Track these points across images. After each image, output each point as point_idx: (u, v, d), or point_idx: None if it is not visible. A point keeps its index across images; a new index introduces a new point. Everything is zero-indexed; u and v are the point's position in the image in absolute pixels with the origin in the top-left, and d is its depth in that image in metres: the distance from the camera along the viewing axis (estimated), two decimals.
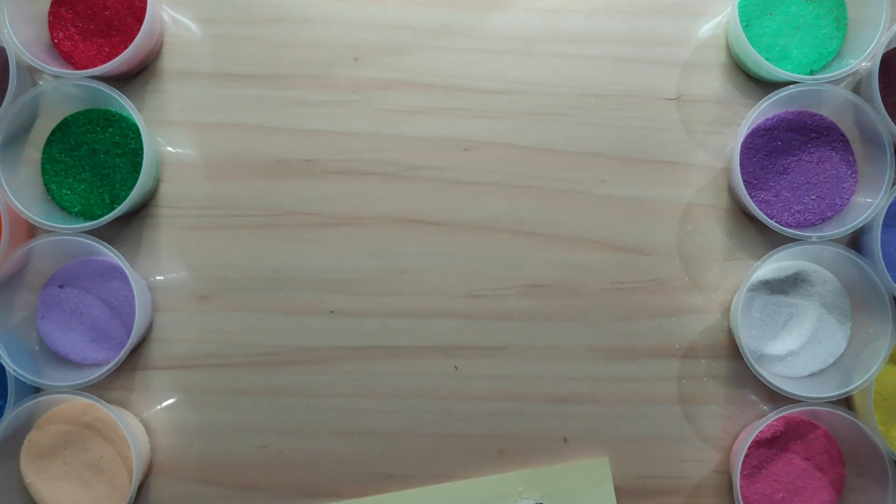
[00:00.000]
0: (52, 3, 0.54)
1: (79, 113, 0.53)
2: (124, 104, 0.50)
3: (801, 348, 0.52)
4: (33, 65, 0.50)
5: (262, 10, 0.55)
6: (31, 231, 0.53)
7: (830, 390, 0.49)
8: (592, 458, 0.50)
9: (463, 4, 0.55)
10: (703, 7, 0.55)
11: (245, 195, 0.54)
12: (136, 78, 0.55)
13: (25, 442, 0.51)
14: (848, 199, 0.53)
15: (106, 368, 0.50)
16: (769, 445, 0.51)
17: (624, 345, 0.53)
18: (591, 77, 0.54)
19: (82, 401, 0.51)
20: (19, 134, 0.52)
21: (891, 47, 0.52)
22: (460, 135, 0.54)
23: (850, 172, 0.53)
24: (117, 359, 0.50)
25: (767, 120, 0.53)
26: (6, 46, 0.50)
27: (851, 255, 0.49)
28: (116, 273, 0.53)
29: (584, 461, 0.50)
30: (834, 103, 0.52)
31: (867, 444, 0.49)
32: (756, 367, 0.50)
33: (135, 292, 0.50)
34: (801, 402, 0.49)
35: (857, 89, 0.53)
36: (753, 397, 0.53)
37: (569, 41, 0.55)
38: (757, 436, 0.50)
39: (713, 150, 0.54)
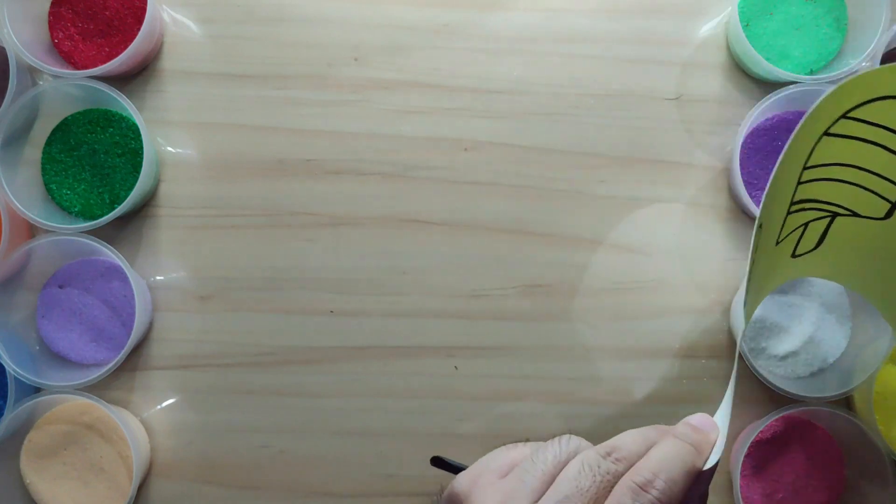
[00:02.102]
0: (52, 3, 0.54)
1: (79, 113, 0.53)
2: (124, 104, 0.50)
3: (801, 348, 0.52)
4: (33, 65, 0.50)
5: (262, 10, 0.55)
6: (31, 231, 0.53)
7: (830, 390, 0.49)
8: None
9: (463, 4, 0.55)
10: (703, 7, 0.55)
11: (245, 195, 0.54)
12: (136, 78, 0.55)
13: (25, 442, 0.51)
14: None
15: (106, 368, 0.50)
16: (769, 445, 0.51)
17: (624, 345, 0.53)
18: (591, 77, 0.54)
19: (82, 401, 0.51)
20: (19, 134, 0.52)
21: (891, 47, 0.52)
22: (460, 135, 0.54)
23: None
24: (117, 359, 0.50)
25: (767, 120, 0.53)
26: (6, 46, 0.50)
27: None
28: (116, 273, 0.53)
29: None
30: None
31: (867, 444, 0.49)
32: (756, 367, 0.50)
33: (135, 292, 0.50)
34: (801, 402, 0.49)
35: None
36: (753, 397, 0.53)
37: (569, 41, 0.55)
38: (757, 436, 0.50)
39: (713, 150, 0.54)
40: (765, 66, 0.50)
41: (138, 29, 0.51)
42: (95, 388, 0.51)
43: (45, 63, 0.50)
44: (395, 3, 0.55)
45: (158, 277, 0.54)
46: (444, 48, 0.55)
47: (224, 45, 0.55)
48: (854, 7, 0.53)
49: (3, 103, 0.50)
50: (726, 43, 0.54)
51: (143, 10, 0.52)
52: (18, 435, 0.51)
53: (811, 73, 0.53)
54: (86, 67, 0.53)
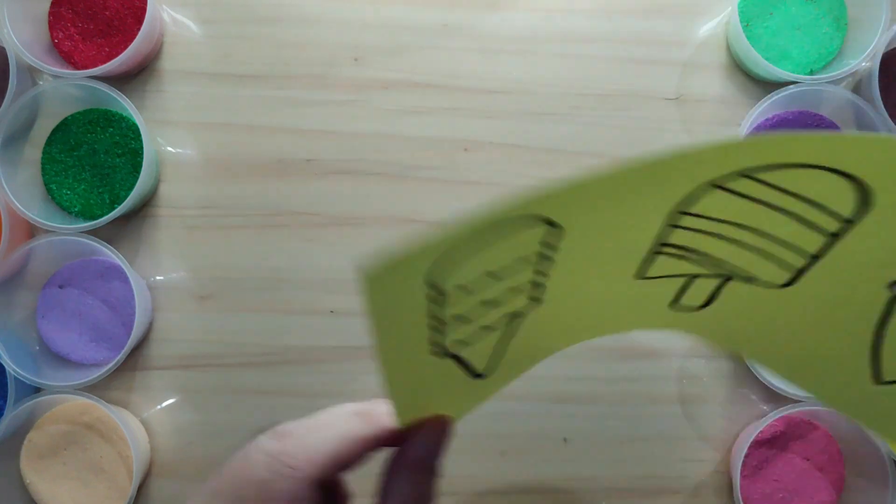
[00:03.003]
0: (52, 3, 0.54)
1: (79, 113, 0.53)
2: (124, 104, 0.50)
3: None
4: (33, 65, 0.50)
5: (262, 10, 0.55)
6: (31, 231, 0.53)
7: None
8: None
9: (463, 4, 0.55)
10: (703, 7, 0.55)
11: (245, 195, 0.54)
12: (136, 78, 0.55)
13: (25, 442, 0.51)
14: None
15: (106, 368, 0.50)
16: (769, 445, 0.51)
17: (624, 345, 0.53)
18: (591, 77, 0.54)
19: (82, 401, 0.51)
20: (19, 134, 0.52)
21: (891, 47, 0.52)
22: (460, 135, 0.54)
23: None
24: (117, 359, 0.50)
25: (767, 120, 0.53)
26: (6, 46, 0.50)
27: None
28: (116, 273, 0.53)
29: None
30: (834, 103, 0.52)
31: (867, 444, 0.49)
32: (756, 367, 0.50)
33: (135, 292, 0.50)
34: (801, 402, 0.49)
35: (857, 89, 0.53)
36: (753, 397, 0.53)
37: (569, 41, 0.55)
38: (757, 436, 0.50)
39: None
40: (765, 66, 0.50)
41: (138, 29, 0.51)
42: (95, 388, 0.51)
43: (45, 63, 0.50)
44: (395, 3, 0.55)
45: (158, 277, 0.54)
46: (444, 48, 0.55)
47: (224, 45, 0.55)
48: (854, 7, 0.53)
49: (3, 103, 0.50)
50: (726, 43, 0.54)
51: (143, 10, 0.52)
52: (18, 435, 0.51)
53: (811, 73, 0.53)
54: (86, 67, 0.53)
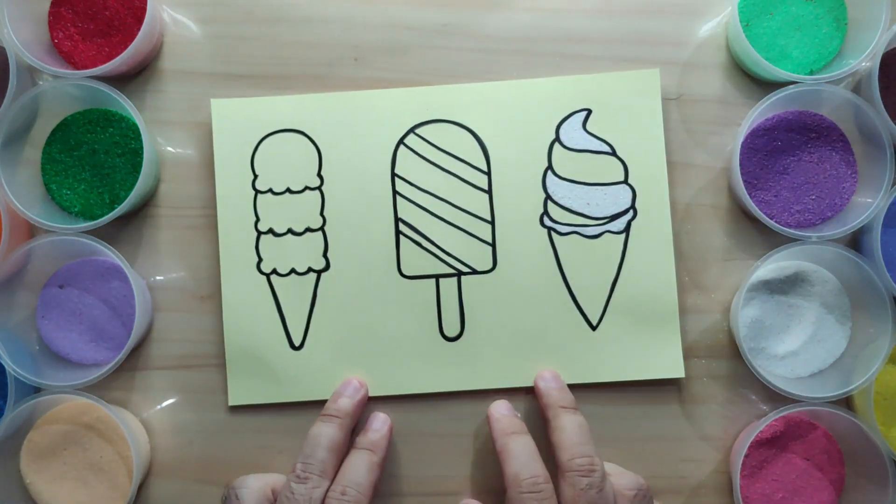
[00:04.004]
0: (52, 3, 0.54)
1: (79, 113, 0.53)
2: (124, 104, 0.50)
3: (801, 348, 0.52)
4: (33, 65, 0.50)
5: (262, 10, 0.55)
6: (31, 231, 0.53)
7: (830, 390, 0.49)
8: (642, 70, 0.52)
9: (463, 4, 0.55)
10: (703, 7, 0.55)
11: None
12: (136, 78, 0.55)
13: (25, 442, 0.51)
14: (848, 199, 0.53)
15: (106, 368, 0.50)
16: (769, 445, 0.51)
17: None
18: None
19: (82, 401, 0.51)
20: (19, 134, 0.52)
21: (891, 47, 0.52)
22: None
23: (850, 172, 0.53)
24: (117, 359, 0.50)
25: (767, 120, 0.53)
26: (6, 46, 0.50)
27: (851, 255, 0.49)
28: (116, 273, 0.53)
29: (634, 71, 0.52)
30: (834, 103, 0.52)
31: (867, 444, 0.49)
32: (756, 367, 0.50)
33: (135, 292, 0.50)
34: (801, 402, 0.49)
35: (857, 89, 0.53)
36: (753, 397, 0.53)
37: (569, 41, 0.55)
38: (757, 436, 0.50)
39: (713, 150, 0.54)
40: (765, 66, 0.50)
41: (138, 29, 0.51)
42: (95, 388, 0.51)
43: (45, 63, 0.50)
44: (395, 3, 0.55)
45: (158, 277, 0.54)
46: (444, 48, 0.55)
47: (224, 45, 0.55)
48: (854, 7, 0.53)
49: (3, 103, 0.50)
50: (726, 43, 0.54)
51: (143, 10, 0.52)
52: (18, 435, 0.51)
53: (811, 73, 0.53)
54: (86, 67, 0.53)
